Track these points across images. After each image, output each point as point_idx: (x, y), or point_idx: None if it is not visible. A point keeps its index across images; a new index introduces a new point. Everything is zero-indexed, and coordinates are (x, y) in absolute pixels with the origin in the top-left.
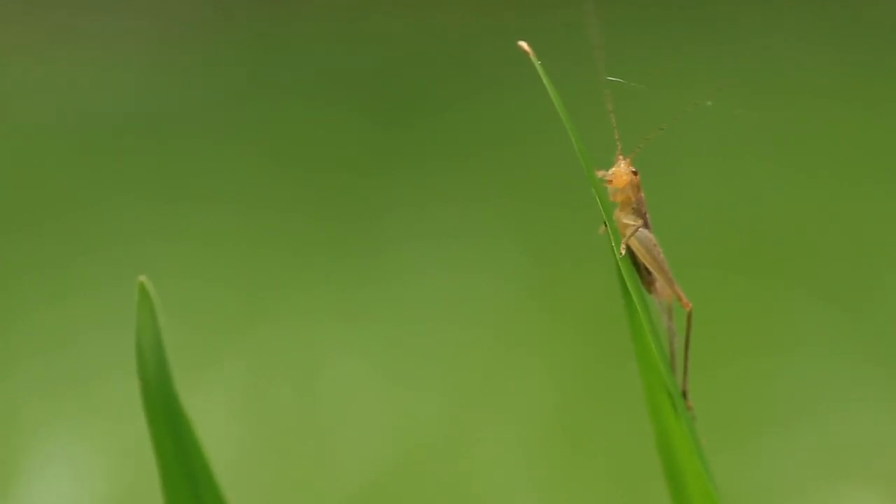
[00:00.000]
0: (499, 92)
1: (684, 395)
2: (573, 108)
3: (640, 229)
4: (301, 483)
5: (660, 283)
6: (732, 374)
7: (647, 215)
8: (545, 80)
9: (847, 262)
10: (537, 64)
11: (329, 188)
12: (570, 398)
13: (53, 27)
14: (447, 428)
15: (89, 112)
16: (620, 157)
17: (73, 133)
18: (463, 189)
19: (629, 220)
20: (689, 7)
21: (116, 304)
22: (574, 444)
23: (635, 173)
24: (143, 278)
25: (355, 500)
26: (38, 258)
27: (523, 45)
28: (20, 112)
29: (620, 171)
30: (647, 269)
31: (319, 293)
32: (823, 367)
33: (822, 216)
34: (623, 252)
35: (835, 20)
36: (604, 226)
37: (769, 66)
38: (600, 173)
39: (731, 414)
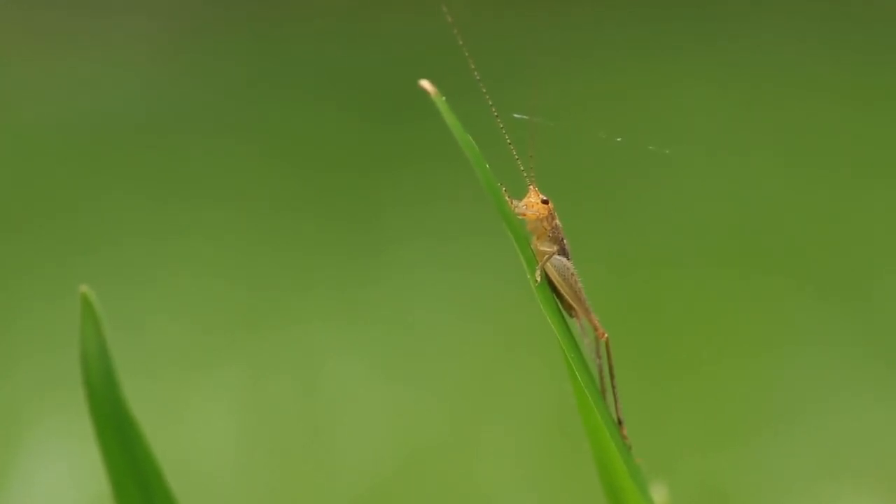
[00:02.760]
0: (498, 91)
1: (620, 423)
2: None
3: (557, 257)
4: (302, 483)
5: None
6: (730, 371)
7: (565, 241)
8: (449, 120)
9: (846, 259)
10: (440, 101)
11: (329, 187)
12: (570, 398)
13: (54, 26)
14: (447, 427)
15: (90, 111)
16: (530, 187)
17: (75, 132)
18: (464, 188)
19: (545, 248)
20: (688, 5)
21: (117, 303)
22: (574, 443)
23: (546, 202)
24: (84, 288)
25: (357, 499)
26: (39, 257)
27: (425, 84)
28: (20, 111)
29: (531, 202)
30: (563, 296)
31: (320, 292)
32: (822, 364)
33: (819, 212)
34: (538, 279)
35: (831, 17)
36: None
37: (767, 64)
38: (513, 205)
39: (730, 411)
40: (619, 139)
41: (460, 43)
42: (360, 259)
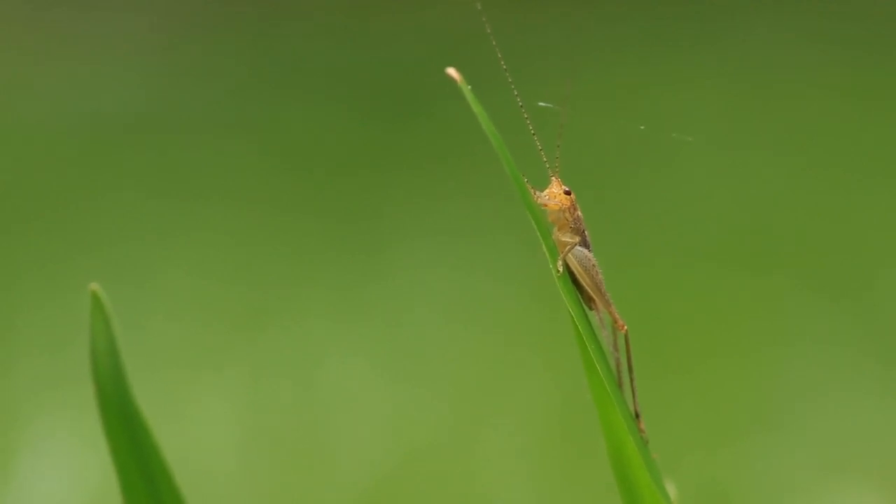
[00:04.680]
0: (498, 89)
1: (637, 416)
2: (570, 106)
3: (579, 248)
4: (301, 481)
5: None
6: (730, 368)
7: (587, 233)
8: (475, 109)
9: (846, 258)
10: (466, 89)
11: (330, 186)
12: (571, 398)
13: (54, 25)
14: (448, 427)
15: (90, 110)
16: (553, 178)
17: (75, 131)
18: (464, 187)
19: (566, 239)
20: (689, 4)
21: (117, 302)
22: (574, 443)
23: (568, 193)
24: (94, 286)
25: (356, 498)
26: (39, 257)
27: (451, 72)
28: (20, 111)
29: (553, 193)
30: (584, 288)
31: (320, 291)
32: (823, 362)
33: (820, 211)
34: (560, 270)
35: (832, 16)
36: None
37: (769, 63)
38: (535, 195)
39: (731, 409)
40: (642, 127)
41: (488, 31)
42: (360, 258)
